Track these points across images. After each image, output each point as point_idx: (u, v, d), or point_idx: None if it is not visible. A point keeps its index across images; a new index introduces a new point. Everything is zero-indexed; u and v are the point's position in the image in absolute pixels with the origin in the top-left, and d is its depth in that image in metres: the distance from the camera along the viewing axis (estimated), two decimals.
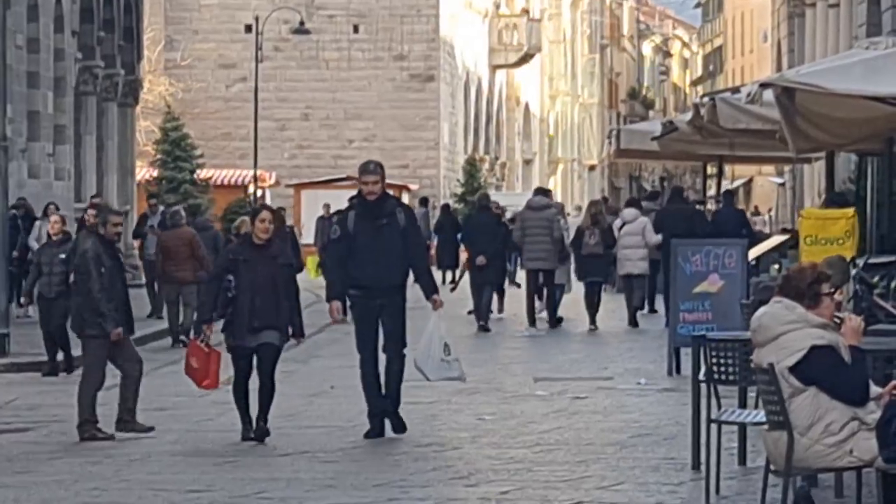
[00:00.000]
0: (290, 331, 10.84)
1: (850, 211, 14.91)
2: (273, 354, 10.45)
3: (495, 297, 22.11)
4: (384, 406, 10.50)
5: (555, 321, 21.07)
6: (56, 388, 14.13)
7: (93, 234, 11.26)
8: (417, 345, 10.49)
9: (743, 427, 8.29)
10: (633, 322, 20.85)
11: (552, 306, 21.28)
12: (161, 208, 24.78)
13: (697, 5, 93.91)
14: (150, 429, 10.61)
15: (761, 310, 6.62)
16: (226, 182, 42.60)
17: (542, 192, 27.25)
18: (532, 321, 20.97)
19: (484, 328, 20.71)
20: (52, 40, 25.86)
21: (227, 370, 10.86)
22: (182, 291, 18.36)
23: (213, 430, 11.25)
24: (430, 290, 10.64)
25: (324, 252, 22.52)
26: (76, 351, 13.33)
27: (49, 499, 8.24)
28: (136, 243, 26.36)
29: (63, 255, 14.45)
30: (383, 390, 10.63)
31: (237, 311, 10.34)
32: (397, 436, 10.48)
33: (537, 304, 21.02)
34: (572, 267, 22.18)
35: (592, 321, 20.88)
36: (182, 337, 17.53)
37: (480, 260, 21.14)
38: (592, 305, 20.99)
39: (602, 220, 21.12)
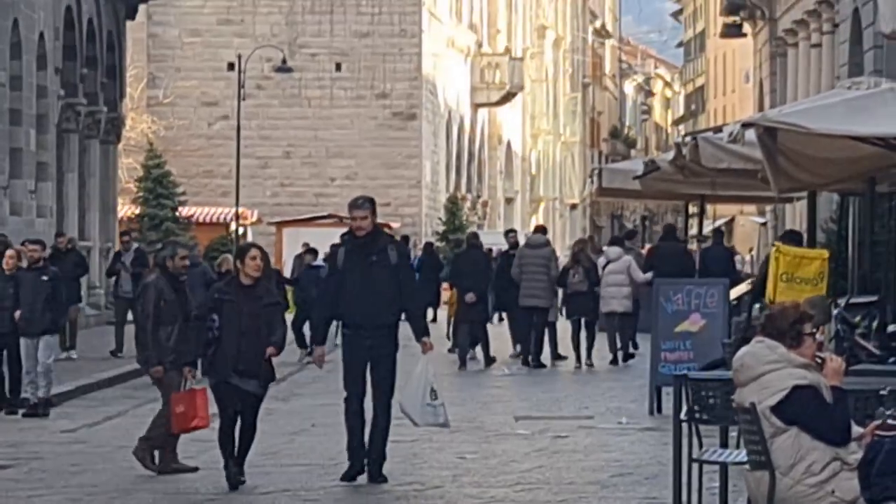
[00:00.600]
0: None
1: (826, 253, 14.87)
2: (256, 404, 10.11)
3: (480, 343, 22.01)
4: (363, 454, 10.01)
5: (556, 356, 21.24)
6: (36, 425, 13.91)
7: (158, 267, 11.21)
8: (405, 387, 10.06)
9: (724, 467, 8.16)
10: (615, 361, 20.82)
11: (552, 342, 21.40)
12: (135, 245, 24.56)
13: (679, 45, 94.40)
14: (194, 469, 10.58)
15: (743, 349, 6.56)
16: (208, 220, 42.47)
17: (541, 230, 27.35)
18: (525, 360, 21.08)
19: (463, 365, 20.73)
20: (35, 77, 25.70)
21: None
22: None
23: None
24: (420, 331, 10.16)
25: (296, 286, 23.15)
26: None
27: None
28: (110, 281, 26.04)
29: (11, 291, 14.19)
30: (366, 435, 10.13)
31: (221, 351, 9.95)
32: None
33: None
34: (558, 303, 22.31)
35: (578, 359, 20.86)
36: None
37: (470, 297, 21.18)
38: (578, 343, 20.99)
39: (584, 258, 21.14)
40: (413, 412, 9.96)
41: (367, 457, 9.96)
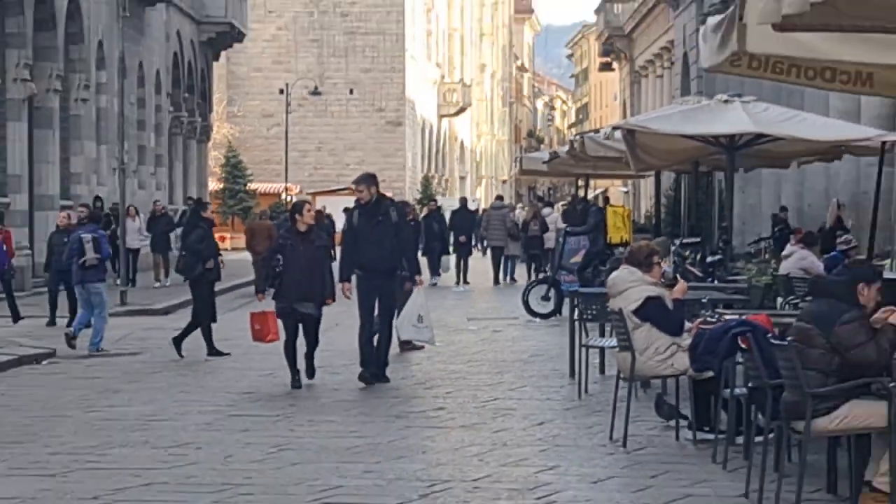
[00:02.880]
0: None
1: (628, 209, 16.25)
2: (315, 322, 8.59)
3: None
4: (372, 362, 8.48)
5: (511, 280, 20.07)
6: (156, 325, 13.04)
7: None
8: (401, 313, 8.84)
9: (602, 350, 8.10)
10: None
11: (508, 271, 20.49)
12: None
13: (572, 76, 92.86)
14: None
15: (613, 273, 6.53)
16: (266, 192, 41.58)
17: (499, 198, 26.84)
18: (496, 281, 20.22)
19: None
20: (154, 99, 25.25)
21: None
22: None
23: (268, 377, 8.89)
24: (414, 272, 8.92)
25: None
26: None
27: (151, 399, 7.87)
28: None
29: (65, 240, 11.26)
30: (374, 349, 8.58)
31: (285, 283, 8.49)
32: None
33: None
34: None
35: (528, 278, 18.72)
36: None
37: (463, 238, 21.11)
38: (529, 270, 19.77)
39: (539, 214, 20.39)
40: (401, 329, 8.92)
41: (374, 364, 8.50)
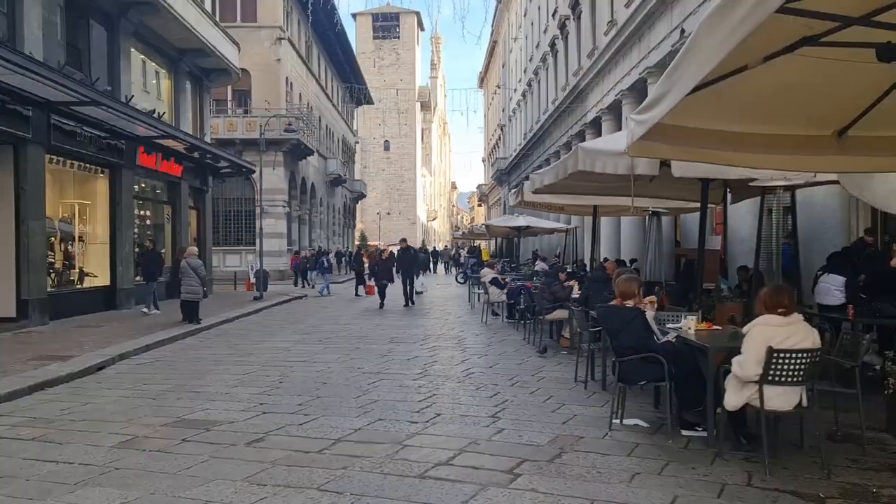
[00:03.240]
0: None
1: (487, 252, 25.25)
2: (386, 287, 21.73)
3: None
4: (408, 300, 21.44)
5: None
6: (339, 290, 27.41)
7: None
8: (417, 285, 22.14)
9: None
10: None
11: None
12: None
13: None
14: None
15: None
16: (372, 244, 61.39)
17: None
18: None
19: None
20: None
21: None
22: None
23: (373, 304, 22.42)
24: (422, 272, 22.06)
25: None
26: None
27: (339, 306, 21.72)
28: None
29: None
30: (410, 297, 21.54)
31: (378, 275, 21.75)
32: (413, 306, 21.09)
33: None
34: None
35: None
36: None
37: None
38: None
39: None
40: (417, 287, 22.30)
41: (409, 300, 21.52)
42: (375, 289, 22.16)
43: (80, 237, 18.94)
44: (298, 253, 36.10)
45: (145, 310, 18.14)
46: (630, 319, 6.72)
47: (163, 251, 22.64)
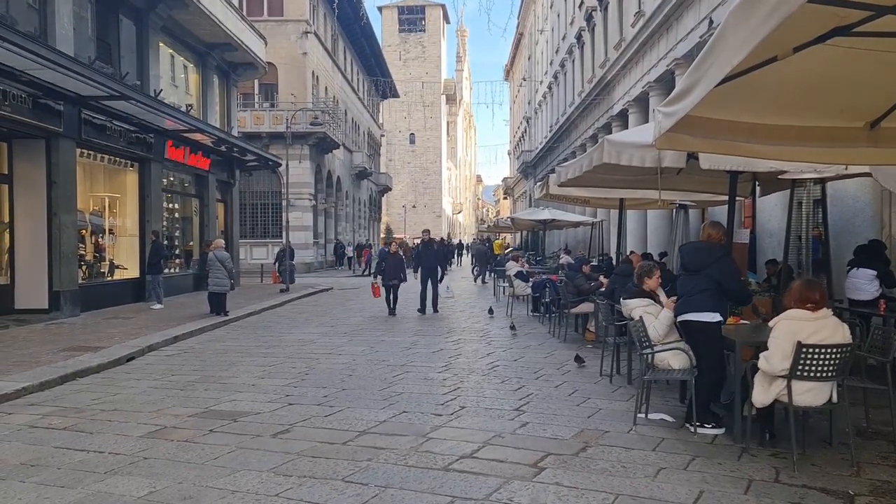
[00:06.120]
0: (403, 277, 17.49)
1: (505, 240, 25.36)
2: (396, 288, 17.35)
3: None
4: (426, 306, 17.11)
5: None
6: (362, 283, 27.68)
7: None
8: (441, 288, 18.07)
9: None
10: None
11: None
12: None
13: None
14: None
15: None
16: (397, 236, 63.43)
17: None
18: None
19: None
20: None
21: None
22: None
23: (380, 310, 18.22)
24: (444, 269, 17.82)
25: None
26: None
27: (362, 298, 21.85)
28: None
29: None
30: (428, 301, 17.19)
31: (386, 273, 17.08)
32: (436, 313, 17.03)
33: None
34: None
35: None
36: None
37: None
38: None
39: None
40: (442, 292, 18.73)
41: (430, 304, 17.32)
42: (381, 290, 17.56)
43: (110, 230, 19.10)
44: (370, 247, 38.16)
45: (154, 305, 17.76)
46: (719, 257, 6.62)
47: (191, 243, 22.77)
